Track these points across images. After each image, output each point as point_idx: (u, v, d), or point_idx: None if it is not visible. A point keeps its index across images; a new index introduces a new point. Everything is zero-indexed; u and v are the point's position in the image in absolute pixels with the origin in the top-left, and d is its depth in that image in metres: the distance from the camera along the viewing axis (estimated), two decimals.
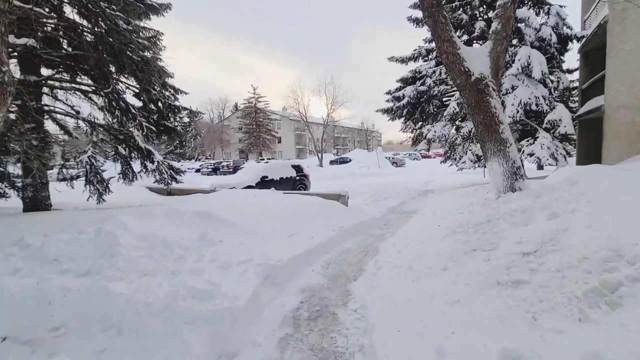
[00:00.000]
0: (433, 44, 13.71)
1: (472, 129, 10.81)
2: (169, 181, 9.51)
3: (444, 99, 13.20)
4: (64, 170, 8.53)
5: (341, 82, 63.83)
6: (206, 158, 56.94)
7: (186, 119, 57.27)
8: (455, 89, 12.85)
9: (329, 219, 6.56)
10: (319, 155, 35.45)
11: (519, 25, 11.52)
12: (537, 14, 11.49)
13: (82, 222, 5.31)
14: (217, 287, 3.33)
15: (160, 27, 13.25)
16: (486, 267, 3.25)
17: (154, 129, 9.55)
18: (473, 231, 4.14)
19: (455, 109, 10.68)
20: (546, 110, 9.99)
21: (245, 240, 4.60)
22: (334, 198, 8.27)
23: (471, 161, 10.28)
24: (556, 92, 10.68)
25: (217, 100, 59.21)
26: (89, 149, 8.08)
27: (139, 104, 9.45)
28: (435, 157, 56.70)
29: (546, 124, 9.89)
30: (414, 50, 14.18)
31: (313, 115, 41.38)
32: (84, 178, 8.22)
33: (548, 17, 10.86)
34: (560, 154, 9.51)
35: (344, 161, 37.49)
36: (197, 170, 34.44)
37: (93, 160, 8.12)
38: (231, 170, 26.92)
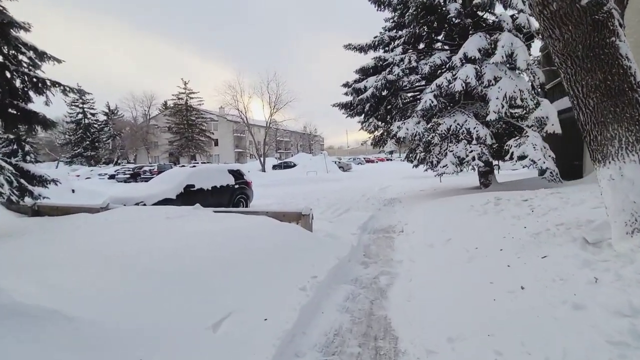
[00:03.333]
0: (396, 32, 11.91)
1: (450, 125, 9.06)
2: (18, 196, 5.79)
3: (412, 94, 11.40)
4: None
5: (285, 80, 61.10)
6: (128, 162, 49.31)
7: (102, 117, 49.25)
8: (424, 82, 11.18)
9: (291, 262, 3.84)
10: (261, 159, 32.18)
11: (496, 12, 10.24)
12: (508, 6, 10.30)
13: None
14: None
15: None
16: None
17: None
18: None
19: (431, 102, 8.83)
20: (531, 106, 8.67)
21: None
22: (293, 218, 5.56)
23: (453, 164, 8.48)
24: (538, 88, 9.55)
25: (142, 97, 51.82)
26: None
27: None
28: (378, 162, 57.44)
29: (533, 121, 8.57)
30: (375, 38, 12.20)
31: (254, 117, 37.95)
32: None
33: (525, 4, 9.69)
34: (550, 156, 8.21)
35: (288, 166, 34.78)
36: (112, 177, 28.55)
37: None
38: (155, 176, 22.29)
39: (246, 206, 10.92)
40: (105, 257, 2.88)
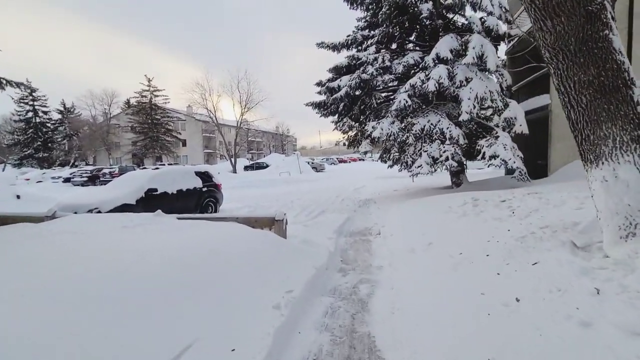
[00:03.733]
0: (369, 31, 11.81)
1: (424, 125, 9.04)
2: None
3: (386, 94, 11.33)
4: None
5: (256, 79, 59.80)
6: (87, 164, 46.04)
7: (57, 115, 45.53)
8: (397, 83, 11.16)
9: (263, 275, 3.46)
10: (232, 160, 31.17)
11: (466, 14, 10.40)
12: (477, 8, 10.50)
13: None
14: None
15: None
16: None
17: None
18: None
19: (405, 102, 8.76)
20: (501, 106, 8.85)
21: None
22: (265, 224, 5.17)
23: (428, 164, 8.45)
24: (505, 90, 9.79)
25: (102, 95, 48.57)
26: None
27: None
28: (351, 162, 57.85)
29: (502, 122, 8.74)
30: (348, 37, 12.04)
31: (225, 116, 36.77)
32: None
33: (493, 7, 9.90)
34: (518, 155, 8.41)
35: (260, 166, 34.02)
36: (67, 180, 26.38)
37: None
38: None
39: (215, 210, 10.33)
40: (32, 281, 2.35)
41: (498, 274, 2.66)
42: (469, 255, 3.23)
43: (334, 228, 7.37)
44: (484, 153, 8.39)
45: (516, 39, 11.06)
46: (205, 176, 10.21)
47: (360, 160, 57.80)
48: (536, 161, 10.95)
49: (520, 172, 8.40)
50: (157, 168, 9.82)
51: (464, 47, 9.11)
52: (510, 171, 11.89)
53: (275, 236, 4.63)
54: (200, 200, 9.76)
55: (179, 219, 5.50)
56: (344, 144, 12.66)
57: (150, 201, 8.26)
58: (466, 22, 10.07)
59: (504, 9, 9.93)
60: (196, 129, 48.23)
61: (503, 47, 13.55)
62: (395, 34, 10.56)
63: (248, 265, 3.49)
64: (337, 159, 57.53)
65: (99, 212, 7.14)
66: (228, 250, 3.74)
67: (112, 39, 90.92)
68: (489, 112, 10.63)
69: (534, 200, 4.06)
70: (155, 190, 8.42)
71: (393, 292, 3.61)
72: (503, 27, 9.88)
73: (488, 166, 8.97)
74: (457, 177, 11.05)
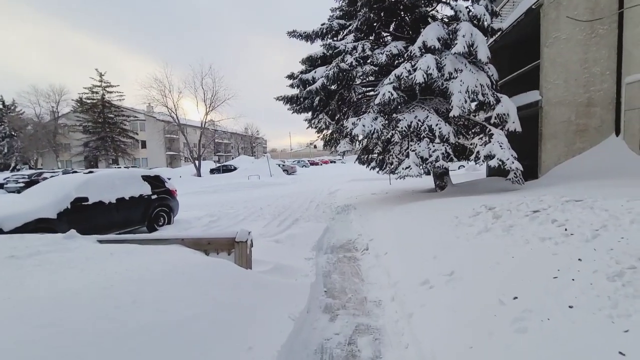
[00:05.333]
0: (345, 21, 10.70)
1: (411, 122, 8.03)
2: None
3: (367, 88, 10.22)
4: None
5: (223, 75, 56.83)
6: (30, 167, 41.22)
7: None
8: (376, 76, 10.11)
9: (211, 349, 2.10)
10: (196, 162, 28.89)
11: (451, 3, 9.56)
12: None
13: None
14: None
15: None
16: None
17: None
18: None
19: (390, 94, 7.69)
20: (492, 102, 8.06)
21: None
22: (222, 247, 3.77)
23: (417, 165, 7.42)
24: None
25: (48, 91, 43.78)
26: None
27: None
28: (322, 165, 56.80)
29: (494, 118, 7.95)
30: (323, 25, 10.85)
31: (189, 116, 34.25)
32: None
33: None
34: (512, 155, 7.64)
35: (228, 169, 31.99)
36: (0, 186, 22.90)
37: None
38: None
39: (169, 221, 8.69)
40: None
41: (622, 354, 1.51)
42: (534, 304, 2.08)
43: (312, 243, 6.10)
44: (477, 153, 7.51)
45: (499, 33, 10.43)
46: (155, 181, 8.53)
47: (331, 162, 57.00)
48: (523, 161, 10.36)
49: (515, 173, 7.62)
50: (91, 172, 7.99)
51: (451, 36, 8.22)
52: (495, 172, 11.27)
53: (234, 268, 3.26)
54: (149, 210, 8.09)
55: (100, 241, 3.95)
56: (315, 147, 11.43)
57: (79, 214, 6.53)
58: (452, 13, 9.22)
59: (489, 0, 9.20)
60: (157, 130, 44.83)
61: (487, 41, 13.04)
62: (375, 23, 9.51)
63: (187, 333, 2.11)
64: (309, 161, 56.37)
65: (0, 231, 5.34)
66: (159, 303, 2.34)
67: (69, 36, 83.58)
68: (472, 107, 9.88)
69: (586, 212, 3.04)
70: (86, 199, 6.68)
71: (411, 354, 2.39)
72: (489, 19, 9.15)
73: (460, 168, 8.10)
74: (441, 179, 10.20)
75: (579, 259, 2.33)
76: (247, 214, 10.18)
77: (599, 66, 8.29)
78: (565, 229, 2.83)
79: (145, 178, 8.33)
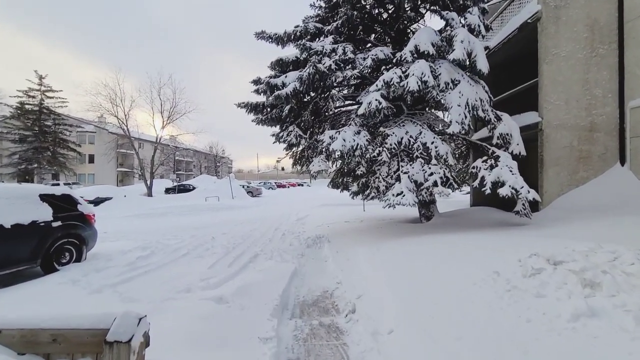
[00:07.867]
0: (322, 25, 9.38)
1: (402, 138, 6.59)
2: None
3: (347, 102, 8.76)
4: None
5: (184, 86, 53.66)
6: None
7: None
8: (358, 83, 8.75)
9: None
10: (148, 181, 25.73)
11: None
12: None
13: None
14: None
15: None
16: None
17: None
18: None
19: (377, 103, 6.27)
20: (493, 119, 6.91)
21: None
22: (82, 349, 1.78)
23: (411, 191, 5.87)
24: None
25: None
26: None
27: None
28: (289, 187, 54.74)
29: (497, 139, 6.78)
30: (297, 27, 9.42)
31: (145, 131, 31.17)
32: None
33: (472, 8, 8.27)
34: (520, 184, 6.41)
35: (185, 189, 28.98)
36: None
37: None
38: None
39: (79, 258, 6.34)
40: None
41: None
42: None
43: (273, 300, 4.19)
44: (482, 178, 6.16)
45: (486, 51, 9.60)
46: (61, 202, 6.23)
47: (299, 185, 55.24)
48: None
49: (524, 205, 6.34)
50: None
51: (446, 43, 7.08)
52: (481, 201, 10.07)
53: None
54: (46, 242, 5.74)
55: None
56: (283, 168, 9.71)
57: None
58: (443, 23, 8.21)
59: (483, 13, 8.34)
60: (109, 144, 40.68)
61: None
62: (358, 24, 8.25)
63: None
64: (276, 183, 54.20)
65: None
66: None
67: (18, 42, 76.51)
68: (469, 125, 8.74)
69: None
70: None
71: None
72: (484, 30, 8.23)
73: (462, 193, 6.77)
74: (427, 208, 8.78)
75: None
76: (193, 247, 7.99)
77: (600, 88, 7.52)
78: None
79: (45, 198, 6.01)
